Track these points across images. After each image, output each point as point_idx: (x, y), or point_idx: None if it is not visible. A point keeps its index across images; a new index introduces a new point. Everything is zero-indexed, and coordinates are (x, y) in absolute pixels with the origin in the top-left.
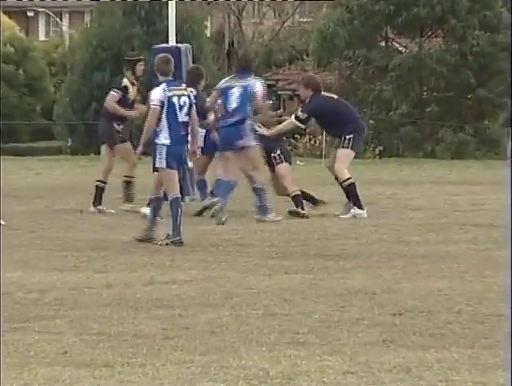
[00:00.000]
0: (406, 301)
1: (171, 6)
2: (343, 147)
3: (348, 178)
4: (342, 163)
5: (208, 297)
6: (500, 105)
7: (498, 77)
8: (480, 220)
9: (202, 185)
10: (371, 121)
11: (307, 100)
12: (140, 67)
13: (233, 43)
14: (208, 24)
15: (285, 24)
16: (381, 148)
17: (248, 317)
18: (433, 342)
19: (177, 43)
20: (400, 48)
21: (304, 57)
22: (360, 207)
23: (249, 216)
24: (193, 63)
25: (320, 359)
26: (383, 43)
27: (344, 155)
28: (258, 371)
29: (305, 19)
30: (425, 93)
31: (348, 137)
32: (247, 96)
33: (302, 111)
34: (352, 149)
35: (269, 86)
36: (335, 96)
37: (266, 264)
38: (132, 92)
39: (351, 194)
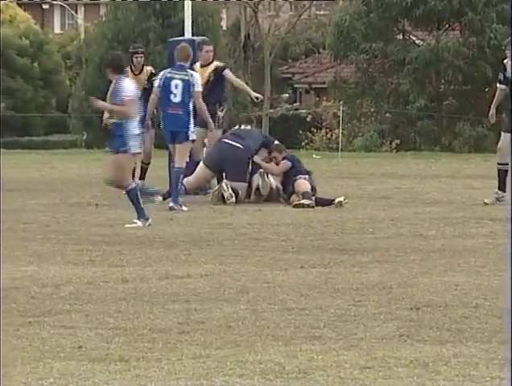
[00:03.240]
0: (422, 295)
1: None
2: None
3: None
4: None
5: (223, 291)
6: None
7: None
8: (497, 214)
9: None
10: (388, 115)
11: None
12: (136, 60)
13: (249, 36)
14: (224, 17)
15: (301, 17)
16: (398, 141)
17: (264, 311)
18: (450, 337)
19: (192, 36)
20: (417, 41)
21: (321, 50)
22: None
23: (264, 210)
24: None
25: (337, 353)
26: (400, 36)
27: None
28: (274, 365)
29: (322, 12)
30: (442, 87)
31: None
32: None
33: None
34: None
35: (285, 79)
36: None
37: (282, 258)
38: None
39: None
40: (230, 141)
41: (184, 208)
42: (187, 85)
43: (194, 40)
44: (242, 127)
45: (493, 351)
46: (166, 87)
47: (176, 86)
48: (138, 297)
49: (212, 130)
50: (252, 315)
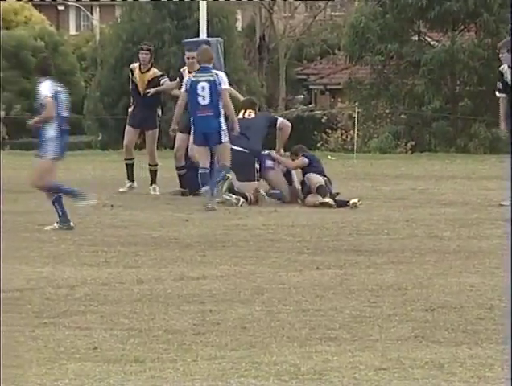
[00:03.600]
0: (438, 296)
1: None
2: None
3: None
4: None
5: (239, 292)
6: None
7: None
8: None
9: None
10: (403, 116)
11: None
12: (141, 56)
13: (264, 37)
14: (239, 18)
15: (316, 18)
16: (413, 143)
17: (279, 312)
18: (465, 338)
19: (207, 37)
20: (432, 42)
21: (336, 51)
22: None
23: (280, 211)
24: (224, 57)
25: (352, 354)
26: (415, 38)
27: None
28: (289, 366)
29: (337, 13)
30: (458, 88)
31: None
32: None
33: None
34: None
35: (300, 80)
36: None
37: (298, 259)
38: (138, 77)
39: None
40: (234, 147)
41: (215, 207)
42: (214, 85)
43: (209, 41)
44: (246, 116)
45: (508, 352)
46: (192, 90)
47: (203, 88)
48: (153, 299)
49: (237, 130)
50: (267, 316)
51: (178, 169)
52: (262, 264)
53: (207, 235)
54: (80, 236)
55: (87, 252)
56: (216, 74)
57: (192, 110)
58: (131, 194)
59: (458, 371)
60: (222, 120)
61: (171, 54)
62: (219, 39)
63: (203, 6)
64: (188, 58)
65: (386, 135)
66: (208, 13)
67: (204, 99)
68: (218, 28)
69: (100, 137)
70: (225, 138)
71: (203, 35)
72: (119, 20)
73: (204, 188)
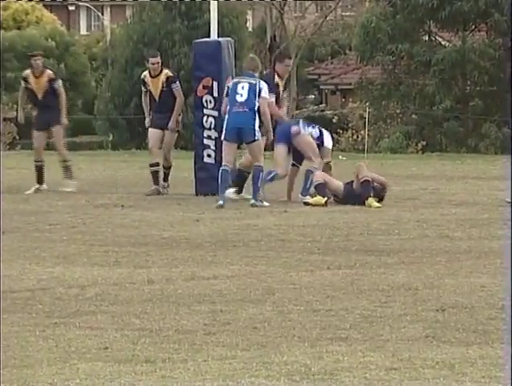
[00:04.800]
0: (448, 296)
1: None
2: None
3: None
4: None
5: (249, 292)
6: None
7: None
8: None
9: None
10: (414, 116)
11: None
12: (152, 66)
13: (275, 37)
14: (250, 18)
15: (327, 18)
16: (424, 143)
17: (290, 312)
18: (476, 338)
19: (218, 37)
20: (443, 42)
21: (347, 51)
22: None
23: (290, 211)
24: (235, 57)
25: (363, 354)
26: (426, 38)
27: None
28: (300, 366)
29: (347, 13)
30: (468, 88)
31: None
32: None
33: None
34: None
35: (311, 80)
36: None
37: (308, 259)
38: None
39: None
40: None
41: (266, 204)
42: (254, 87)
43: (220, 42)
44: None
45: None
46: (233, 90)
47: (243, 87)
48: (164, 299)
49: (271, 139)
50: (278, 316)
51: (152, 165)
52: (273, 265)
53: (217, 235)
54: (90, 236)
55: (98, 252)
56: (259, 81)
57: (230, 107)
58: (142, 194)
59: (469, 372)
60: (257, 118)
61: (181, 54)
62: (229, 39)
63: (214, 6)
64: (153, 64)
65: (397, 135)
66: (218, 13)
67: (242, 96)
68: (229, 28)
69: (110, 138)
70: (258, 136)
71: (214, 36)
72: (129, 20)
73: (226, 192)
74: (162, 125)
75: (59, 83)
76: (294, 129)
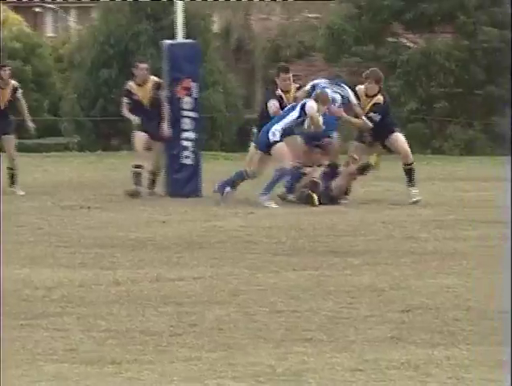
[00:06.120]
0: (414, 298)
1: (179, 2)
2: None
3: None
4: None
5: (215, 294)
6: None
7: (508, 73)
8: (489, 217)
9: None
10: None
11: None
12: (141, 72)
13: (240, 39)
14: (216, 20)
15: (293, 20)
16: None
17: (255, 314)
18: (442, 339)
19: (184, 38)
20: (408, 44)
21: (312, 53)
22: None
23: (257, 213)
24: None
25: (328, 356)
26: (391, 39)
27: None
28: (266, 368)
29: (313, 15)
30: (434, 89)
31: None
32: None
33: (375, 112)
34: None
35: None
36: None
37: (274, 261)
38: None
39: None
40: None
41: (274, 205)
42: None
43: (197, 45)
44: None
45: (484, 353)
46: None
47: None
48: (130, 300)
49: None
50: (243, 318)
51: (136, 167)
52: (239, 266)
53: (184, 236)
54: (57, 238)
55: (64, 253)
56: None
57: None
58: (109, 195)
59: (434, 373)
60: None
61: (148, 56)
62: (194, 41)
63: (179, 7)
64: (142, 69)
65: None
66: (184, 15)
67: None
68: (195, 30)
69: (77, 139)
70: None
71: (180, 37)
72: (96, 22)
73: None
74: (153, 131)
75: (20, 92)
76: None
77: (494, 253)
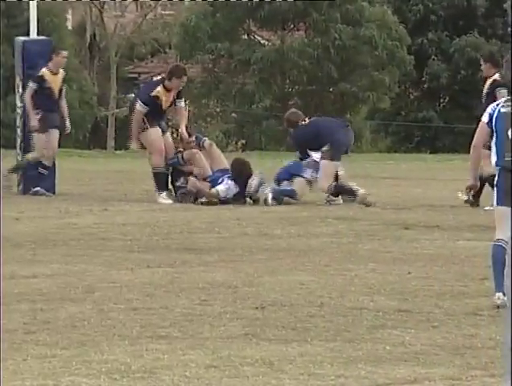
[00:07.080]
0: (268, 294)
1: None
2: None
3: None
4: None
5: (69, 291)
6: (362, 99)
7: (360, 71)
8: (341, 213)
9: None
10: (234, 115)
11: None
12: (60, 59)
13: (94, 36)
14: (70, 17)
15: (147, 17)
16: (244, 141)
17: (110, 311)
18: (295, 336)
19: (38, 35)
20: (262, 41)
21: (167, 50)
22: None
23: (111, 210)
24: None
25: (183, 352)
26: (245, 37)
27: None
28: (120, 365)
29: (167, 12)
30: (288, 87)
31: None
32: None
33: None
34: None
35: (131, 79)
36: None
37: (129, 258)
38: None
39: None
40: None
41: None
42: None
43: (52, 41)
44: None
45: (338, 349)
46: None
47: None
48: None
49: None
50: (98, 315)
51: (44, 168)
52: (93, 263)
53: (37, 233)
54: None
55: None
56: None
57: None
58: None
59: (288, 369)
60: None
61: (0, 52)
62: (49, 38)
63: (33, 5)
64: (64, 57)
65: (217, 134)
66: (38, 12)
67: None
68: (49, 27)
69: None
70: None
71: (33, 34)
72: None
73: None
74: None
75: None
76: None
77: (347, 250)
